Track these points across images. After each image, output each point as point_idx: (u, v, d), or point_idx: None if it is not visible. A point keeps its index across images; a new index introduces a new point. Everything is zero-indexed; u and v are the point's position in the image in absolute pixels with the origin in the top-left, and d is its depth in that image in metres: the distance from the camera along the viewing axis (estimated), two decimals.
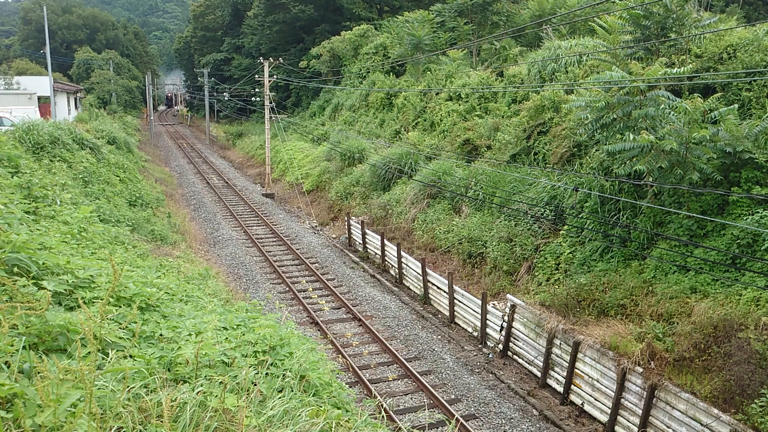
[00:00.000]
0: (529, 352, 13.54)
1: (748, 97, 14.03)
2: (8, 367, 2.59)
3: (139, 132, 59.09)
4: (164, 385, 3.09)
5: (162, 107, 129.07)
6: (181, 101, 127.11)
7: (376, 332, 15.52)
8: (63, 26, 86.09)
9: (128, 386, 2.79)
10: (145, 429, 2.62)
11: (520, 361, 13.92)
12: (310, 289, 19.12)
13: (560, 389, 12.43)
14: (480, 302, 14.99)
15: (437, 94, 28.58)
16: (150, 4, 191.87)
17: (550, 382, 12.83)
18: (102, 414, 2.55)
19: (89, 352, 2.54)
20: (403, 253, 19.64)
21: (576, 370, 11.98)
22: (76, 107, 51.84)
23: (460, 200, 20.72)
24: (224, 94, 61.66)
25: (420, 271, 18.13)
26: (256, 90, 50.18)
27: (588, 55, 19.83)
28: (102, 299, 3.49)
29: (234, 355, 3.74)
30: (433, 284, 17.64)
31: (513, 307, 13.99)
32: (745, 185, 11.96)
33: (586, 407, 11.80)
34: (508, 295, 14.58)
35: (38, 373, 2.57)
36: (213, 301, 7.16)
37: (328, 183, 32.03)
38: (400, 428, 9.35)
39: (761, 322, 9.79)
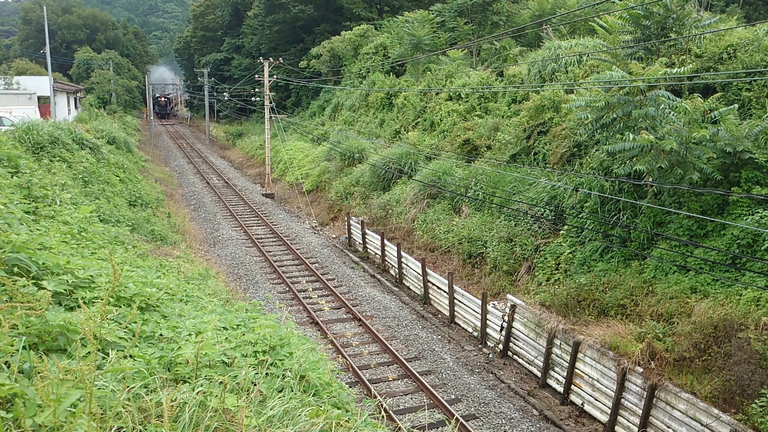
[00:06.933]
0: (529, 352, 13.54)
1: (748, 97, 14.03)
2: (8, 367, 2.59)
3: (139, 132, 59.11)
4: (164, 385, 3.09)
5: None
6: (180, 101, 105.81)
7: (376, 332, 15.51)
8: (63, 26, 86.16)
9: (128, 386, 2.79)
10: (145, 429, 2.62)
11: (520, 361, 13.91)
12: (310, 289, 19.11)
13: (560, 389, 12.43)
14: (480, 302, 14.99)
15: (437, 94, 28.58)
16: (150, 4, 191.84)
17: (550, 382, 12.83)
18: (102, 414, 2.55)
19: (89, 352, 2.54)
20: (403, 253, 19.63)
21: (576, 370, 11.98)
22: (76, 107, 51.84)
23: (460, 200, 20.72)
24: (224, 94, 61.62)
25: (420, 271, 18.12)
26: (256, 90, 50.17)
27: (588, 55, 19.83)
28: (102, 299, 3.49)
29: (234, 355, 3.74)
30: (433, 284, 17.64)
31: (513, 307, 13.98)
32: (745, 185, 11.96)
33: (586, 407, 11.80)
34: (508, 295, 14.58)
35: (38, 373, 2.56)
36: (213, 301, 7.16)
37: (328, 183, 32.03)
38: (400, 428, 9.35)
39: (761, 322, 9.79)
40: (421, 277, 18.05)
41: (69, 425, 2.32)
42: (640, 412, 10.38)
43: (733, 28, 16.15)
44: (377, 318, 16.94)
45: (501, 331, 14.47)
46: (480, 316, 15.06)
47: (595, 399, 11.57)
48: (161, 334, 4.07)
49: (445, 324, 16.56)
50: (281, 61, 42.31)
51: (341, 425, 3.52)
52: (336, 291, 18.67)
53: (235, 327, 4.76)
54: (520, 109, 21.47)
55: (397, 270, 19.98)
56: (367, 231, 22.96)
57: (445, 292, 16.83)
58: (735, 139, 11.84)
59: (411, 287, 19.29)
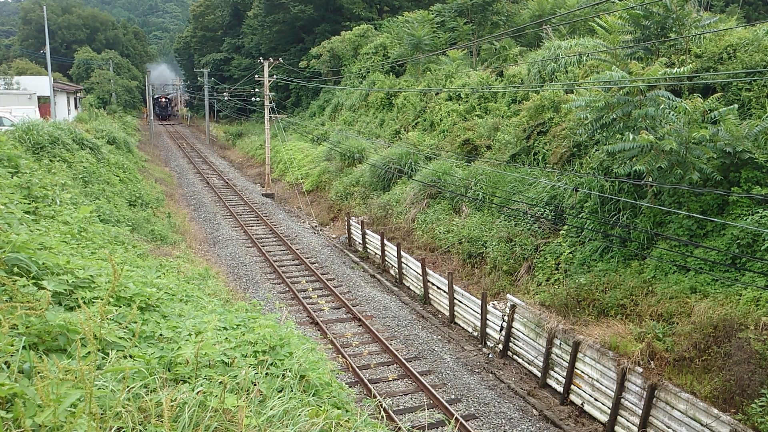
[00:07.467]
0: (529, 352, 13.54)
1: (748, 97, 14.03)
2: (8, 367, 2.59)
3: (139, 132, 59.10)
4: (164, 385, 3.09)
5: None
6: (180, 102, 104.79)
7: (376, 332, 15.51)
8: (63, 26, 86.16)
9: (128, 386, 2.79)
10: (145, 429, 2.62)
11: (520, 361, 13.91)
12: (310, 289, 19.11)
13: (560, 389, 12.43)
14: (480, 302, 14.99)
15: (437, 94, 28.58)
16: (150, 4, 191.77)
17: (550, 382, 12.83)
18: (102, 414, 2.55)
19: (89, 352, 2.54)
20: (403, 253, 19.63)
21: (576, 370, 11.98)
22: (76, 107, 51.84)
23: (460, 200, 20.72)
24: (224, 94, 61.62)
25: (420, 271, 18.12)
26: (256, 90, 50.16)
27: (588, 55, 19.83)
28: (102, 299, 3.49)
29: (234, 355, 3.74)
30: (433, 284, 17.64)
31: (513, 307, 13.98)
32: (745, 185, 11.96)
33: (586, 407, 11.80)
34: (508, 295, 14.58)
35: (38, 373, 2.56)
36: (213, 301, 7.16)
37: (328, 183, 32.03)
38: (399, 428, 9.35)
39: (761, 322, 9.79)
40: (421, 277, 18.05)
41: (69, 425, 2.32)
42: (640, 412, 10.38)
43: (733, 28, 16.15)
44: (377, 318, 16.94)
45: (501, 331, 14.47)
46: (480, 316, 15.06)
47: (595, 399, 11.58)
48: (161, 334, 4.07)
49: (445, 324, 16.56)
50: (281, 61, 42.29)
51: (341, 425, 3.52)
52: (336, 291, 18.67)
53: (235, 327, 4.76)
54: (520, 109, 21.47)
55: (397, 270, 19.98)
56: (367, 231, 22.96)
57: (445, 292, 16.83)
58: (735, 139, 11.84)
59: (411, 287, 19.29)
